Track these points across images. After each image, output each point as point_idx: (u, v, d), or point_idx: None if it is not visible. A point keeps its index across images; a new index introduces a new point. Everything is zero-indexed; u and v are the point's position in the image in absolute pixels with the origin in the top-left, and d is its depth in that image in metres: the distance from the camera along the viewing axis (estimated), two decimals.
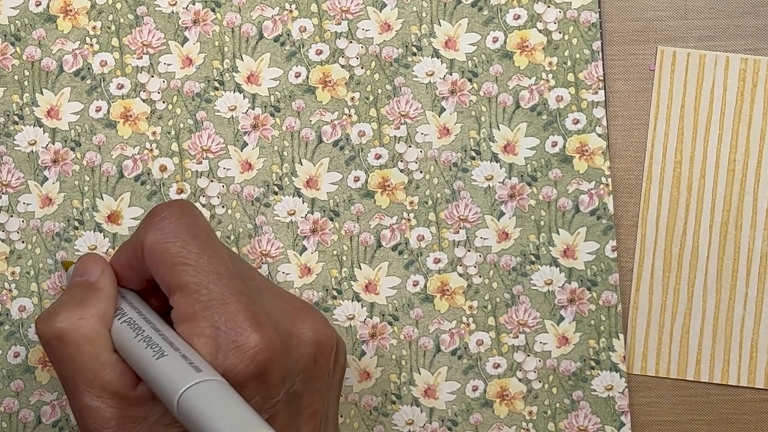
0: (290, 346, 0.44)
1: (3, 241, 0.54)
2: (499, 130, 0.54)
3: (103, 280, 0.47)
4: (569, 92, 0.54)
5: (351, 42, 0.54)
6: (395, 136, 0.54)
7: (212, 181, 0.54)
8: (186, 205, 0.46)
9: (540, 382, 0.53)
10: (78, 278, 0.47)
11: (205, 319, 0.43)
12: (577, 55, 0.54)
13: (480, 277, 0.54)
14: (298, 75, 0.54)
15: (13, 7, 0.54)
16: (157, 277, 0.45)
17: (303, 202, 0.54)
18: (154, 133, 0.54)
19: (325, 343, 0.46)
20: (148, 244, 0.45)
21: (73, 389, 0.44)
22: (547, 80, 0.54)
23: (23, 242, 0.54)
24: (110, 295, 0.46)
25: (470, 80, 0.54)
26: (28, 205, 0.54)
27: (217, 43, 0.54)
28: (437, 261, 0.54)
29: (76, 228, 0.54)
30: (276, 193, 0.54)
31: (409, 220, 0.54)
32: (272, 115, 0.54)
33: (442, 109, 0.54)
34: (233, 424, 0.39)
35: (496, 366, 0.54)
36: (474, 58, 0.54)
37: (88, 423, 0.44)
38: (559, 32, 0.54)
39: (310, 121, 0.54)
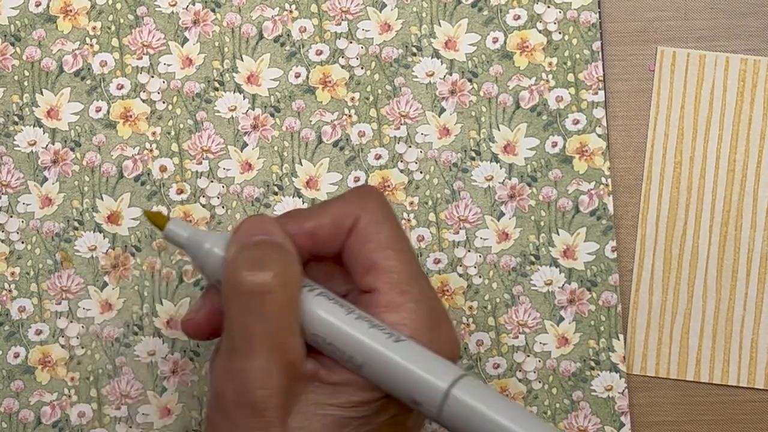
0: (457, 351, 0.44)
1: (3, 241, 0.54)
2: (499, 130, 0.54)
3: (289, 244, 0.43)
4: (569, 92, 0.54)
5: (351, 42, 0.54)
6: (395, 137, 0.54)
7: (212, 181, 0.54)
8: (385, 196, 0.45)
9: (540, 382, 0.53)
10: (263, 236, 0.43)
11: (417, 311, 0.42)
12: (577, 56, 0.54)
13: (480, 277, 0.54)
14: (298, 75, 0.54)
15: (13, 8, 0.54)
16: (358, 256, 0.43)
17: (303, 202, 0.54)
18: (154, 134, 0.54)
19: (457, 355, 0.45)
20: (366, 219, 0.43)
21: (250, 348, 0.41)
22: (547, 80, 0.54)
23: (23, 243, 0.54)
24: (298, 260, 0.43)
25: (470, 80, 0.54)
26: (27, 205, 0.54)
27: (217, 44, 0.54)
28: (437, 261, 0.54)
29: (76, 228, 0.54)
30: (276, 194, 0.54)
31: (409, 220, 0.54)
32: (272, 115, 0.54)
33: (442, 110, 0.54)
34: (520, 419, 0.39)
35: (496, 366, 0.54)
36: (474, 58, 0.54)
37: (253, 388, 0.41)
38: (559, 32, 0.54)
39: (310, 121, 0.54)
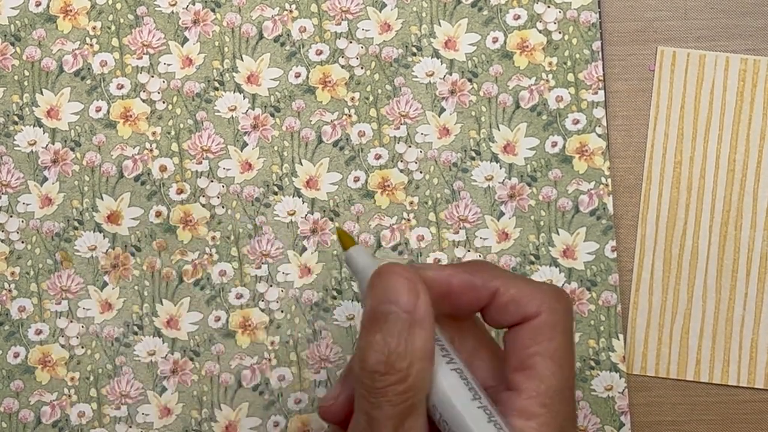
0: None
1: (3, 241, 0.54)
2: (499, 130, 0.54)
3: (423, 308, 0.41)
4: (569, 92, 0.54)
5: (351, 42, 0.54)
6: (395, 137, 0.54)
7: (212, 181, 0.54)
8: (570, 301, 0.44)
9: None
10: (390, 306, 0.41)
11: (544, 426, 0.41)
12: (577, 55, 0.54)
13: None
14: (298, 75, 0.54)
15: (13, 7, 0.54)
16: (519, 349, 0.42)
17: (303, 202, 0.54)
18: (154, 133, 0.54)
19: None
20: (545, 320, 0.42)
21: (376, 424, 0.41)
22: (547, 80, 0.54)
23: (23, 242, 0.54)
24: (432, 327, 0.41)
25: (470, 80, 0.54)
26: (27, 205, 0.54)
27: (217, 44, 0.54)
28: (437, 261, 0.54)
29: (76, 228, 0.54)
30: (276, 194, 0.54)
31: (409, 220, 0.54)
32: (272, 115, 0.54)
33: (442, 110, 0.54)
34: None
35: None
36: (474, 58, 0.54)
37: None
38: (559, 32, 0.54)
39: (310, 121, 0.54)
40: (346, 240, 0.45)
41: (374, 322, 0.41)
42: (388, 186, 0.54)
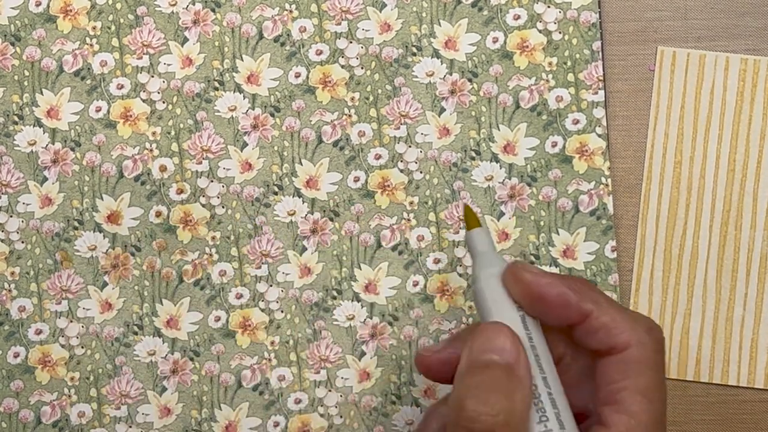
0: None
1: (2, 241, 0.54)
2: (499, 130, 0.54)
3: (522, 365, 0.42)
4: (569, 92, 0.54)
5: (351, 42, 0.54)
6: (395, 137, 0.54)
7: (212, 181, 0.54)
8: (664, 340, 0.44)
9: None
10: (493, 356, 0.42)
11: None
12: (577, 55, 0.54)
13: None
14: (298, 75, 0.54)
15: (13, 7, 0.54)
16: (610, 383, 0.42)
17: (303, 202, 0.54)
18: (154, 133, 0.54)
19: None
20: (637, 354, 0.42)
21: None
22: (547, 80, 0.54)
23: (23, 242, 0.54)
24: (529, 384, 0.42)
25: (470, 80, 0.54)
26: (27, 205, 0.54)
27: (217, 43, 0.54)
28: (437, 261, 0.54)
29: (76, 228, 0.54)
30: (276, 194, 0.54)
31: (409, 220, 0.54)
32: (272, 115, 0.54)
33: (442, 110, 0.54)
34: None
35: None
36: (474, 58, 0.54)
37: None
38: (559, 32, 0.54)
39: (310, 121, 0.54)
40: (472, 220, 0.46)
41: (471, 369, 0.42)
42: (388, 186, 0.54)
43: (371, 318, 0.54)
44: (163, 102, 0.54)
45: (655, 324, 0.43)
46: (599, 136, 0.54)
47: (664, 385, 0.43)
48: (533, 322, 0.43)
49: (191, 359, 0.54)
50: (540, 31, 0.54)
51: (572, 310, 0.43)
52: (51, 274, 0.54)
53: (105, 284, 0.54)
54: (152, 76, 0.54)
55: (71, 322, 0.53)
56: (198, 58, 0.54)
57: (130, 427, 0.53)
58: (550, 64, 0.54)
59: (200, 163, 0.54)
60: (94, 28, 0.54)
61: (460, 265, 0.54)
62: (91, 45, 0.54)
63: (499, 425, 0.40)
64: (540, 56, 0.54)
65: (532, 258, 0.53)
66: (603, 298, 0.43)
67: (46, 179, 0.54)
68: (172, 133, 0.54)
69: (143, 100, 0.54)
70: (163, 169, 0.54)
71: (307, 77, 0.54)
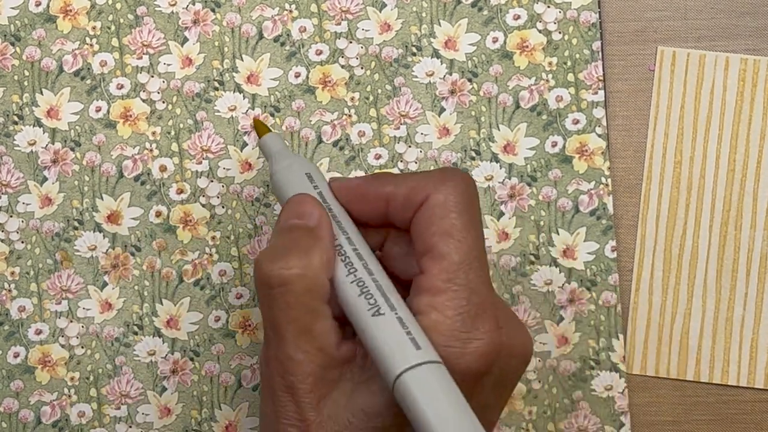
0: (510, 354, 0.43)
1: (2, 241, 0.54)
2: (498, 130, 0.54)
3: (324, 227, 0.44)
4: (569, 92, 0.54)
5: (351, 42, 0.54)
6: (395, 137, 0.54)
7: (212, 181, 0.54)
8: (474, 183, 0.45)
9: (540, 382, 0.53)
10: (296, 221, 0.45)
11: (453, 300, 0.42)
12: (577, 55, 0.54)
13: None
14: (298, 75, 0.54)
15: (13, 7, 0.54)
16: (420, 234, 0.43)
17: None
18: (154, 133, 0.54)
19: (527, 360, 0.45)
20: (434, 200, 0.43)
21: (279, 337, 0.43)
22: (547, 80, 0.54)
23: (23, 242, 0.54)
24: (331, 242, 0.44)
25: (470, 80, 0.54)
26: (27, 205, 0.54)
27: (217, 43, 0.54)
28: None
29: (76, 228, 0.54)
30: None
31: None
32: (272, 115, 0.54)
33: (442, 110, 0.54)
34: (453, 422, 0.38)
35: None
36: (474, 58, 0.54)
37: (285, 374, 0.42)
38: (559, 32, 0.54)
39: (310, 121, 0.54)
40: (261, 128, 0.51)
41: (276, 233, 0.44)
42: None
43: None
44: (163, 102, 0.54)
45: (450, 171, 0.45)
46: (599, 136, 0.54)
47: (474, 224, 0.44)
48: (351, 229, 0.45)
49: (191, 359, 0.54)
50: (540, 31, 0.54)
51: (375, 198, 0.45)
52: (51, 274, 0.54)
53: (105, 284, 0.54)
54: (152, 76, 0.54)
55: (71, 322, 0.53)
56: (198, 58, 0.54)
57: (130, 427, 0.53)
58: (550, 64, 0.54)
59: (200, 163, 0.54)
60: (94, 28, 0.54)
61: None
62: (91, 45, 0.54)
63: (294, 277, 0.42)
64: (540, 56, 0.54)
65: (532, 258, 0.53)
66: (400, 176, 0.45)
67: (46, 179, 0.54)
68: (172, 133, 0.54)
69: (143, 100, 0.54)
70: (163, 169, 0.54)
71: (307, 77, 0.54)
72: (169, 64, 0.54)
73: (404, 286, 0.45)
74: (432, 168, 0.54)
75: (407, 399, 0.39)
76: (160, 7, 0.54)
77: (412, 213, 0.44)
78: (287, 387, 0.42)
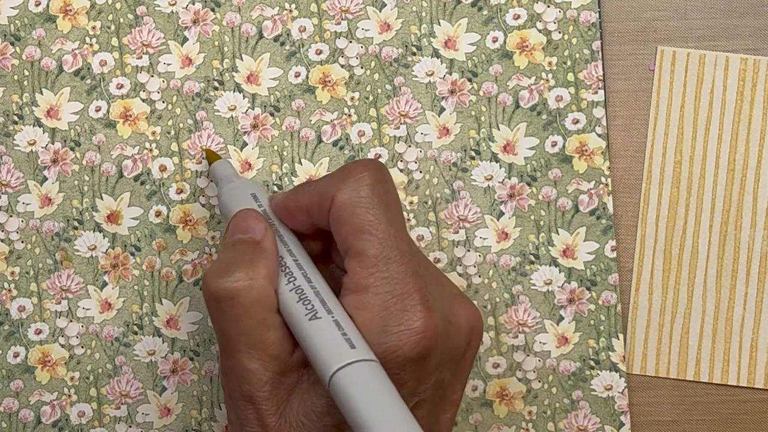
0: (448, 334, 0.44)
1: (2, 241, 0.54)
2: (498, 130, 0.54)
3: (268, 240, 0.45)
4: (569, 92, 0.54)
5: (351, 42, 0.54)
6: (395, 136, 0.54)
7: (212, 180, 0.54)
8: (383, 169, 0.45)
9: (540, 381, 0.53)
10: (242, 235, 0.46)
11: (377, 295, 0.43)
12: (577, 55, 0.54)
13: (479, 276, 0.54)
14: (297, 75, 0.54)
15: (12, 7, 0.54)
16: (337, 236, 0.44)
17: None
18: (153, 133, 0.54)
19: (477, 334, 0.45)
20: (340, 201, 0.44)
21: (232, 349, 0.43)
22: (547, 80, 0.54)
23: (23, 242, 0.54)
24: (275, 254, 0.45)
25: (470, 80, 0.54)
26: (27, 205, 0.54)
27: (216, 43, 0.54)
28: (437, 261, 0.54)
29: (76, 228, 0.54)
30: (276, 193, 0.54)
31: (408, 220, 0.54)
32: (272, 114, 0.54)
33: (442, 109, 0.54)
34: (384, 417, 0.39)
35: (496, 366, 0.53)
36: (474, 57, 0.54)
37: (242, 384, 0.43)
38: (559, 32, 0.54)
39: (310, 120, 0.54)
40: (212, 156, 0.52)
41: (223, 249, 0.45)
42: None
43: None
44: (163, 102, 0.54)
45: (357, 163, 0.45)
46: (599, 135, 0.54)
47: (388, 212, 0.44)
48: (289, 237, 0.46)
49: (191, 359, 0.54)
50: (540, 31, 0.54)
51: (299, 212, 0.46)
52: (51, 274, 0.54)
53: (105, 284, 0.54)
54: (152, 76, 0.54)
55: (71, 321, 0.53)
56: (198, 57, 0.54)
57: (130, 426, 0.53)
58: (549, 63, 0.54)
59: (200, 162, 0.54)
60: (93, 27, 0.54)
61: (460, 265, 0.54)
62: (91, 45, 0.54)
63: (241, 289, 0.43)
64: (540, 56, 0.54)
65: (532, 258, 0.53)
66: (309, 185, 0.46)
67: (46, 179, 0.54)
68: (172, 132, 0.54)
69: (143, 100, 0.54)
70: (162, 168, 0.54)
71: (307, 77, 0.54)
72: (168, 64, 0.54)
73: None
74: (432, 168, 0.54)
75: (341, 397, 0.40)
76: (159, 6, 0.54)
77: (327, 217, 0.45)
78: (246, 396, 0.43)
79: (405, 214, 0.54)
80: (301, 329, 0.43)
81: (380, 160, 0.54)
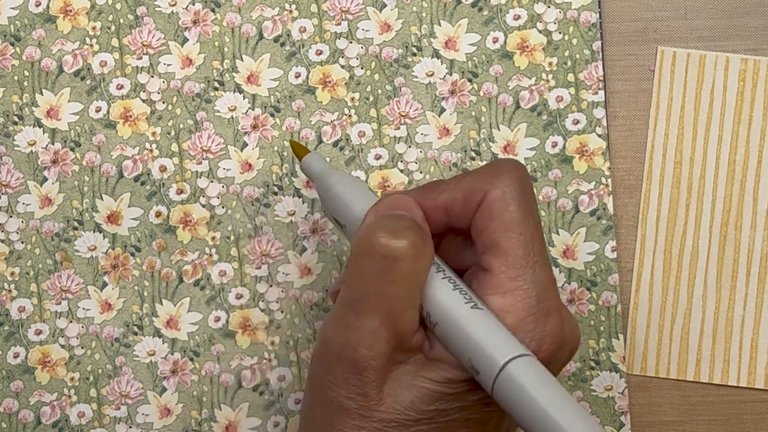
0: (563, 347, 0.44)
1: (2, 241, 0.54)
2: (499, 130, 0.54)
3: (426, 225, 0.44)
4: (569, 92, 0.54)
5: (351, 42, 0.54)
6: (395, 137, 0.54)
7: (212, 181, 0.54)
8: (524, 168, 0.45)
9: None
10: (401, 212, 0.44)
11: (524, 300, 0.42)
12: (577, 56, 0.54)
13: None
14: (298, 75, 0.54)
15: (13, 8, 0.54)
16: (482, 232, 0.43)
17: (303, 202, 0.54)
18: (154, 134, 0.54)
19: (575, 350, 0.45)
20: (492, 197, 0.43)
21: (366, 309, 0.42)
22: (547, 80, 0.54)
23: (23, 243, 0.54)
24: (431, 241, 0.44)
25: (470, 80, 0.54)
26: (27, 205, 0.54)
27: (217, 44, 0.54)
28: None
29: (76, 228, 0.54)
30: (276, 194, 0.54)
31: None
32: (272, 115, 0.54)
33: (442, 110, 0.54)
34: (568, 409, 0.39)
35: None
36: (474, 58, 0.54)
37: (359, 346, 0.42)
38: (559, 32, 0.54)
39: (310, 121, 0.54)
40: (299, 150, 0.50)
41: (382, 216, 0.44)
42: (389, 186, 0.54)
43: None
44: (163, 102, 0.54)
45: (501, 163, 0.44)
46: (599, 136, 0.54)
47: (532, 212, 0.43)
48: None
49: (191, 359, 0.54)
50: (540, 31, 0.54)
51: (437, 210, 0.45)
52: (51, 275, 0.54)
53: (105, 284, 0.54)
54: (152, 77, 0.54)
55: (71, 322, 0.53)
56: (198, 58, 0.54)
57: (130, 427, 0.53)
58: (550, 64, 0.54)
59: (200, 163, 0.54)
60: (93, 28, 0.54)
61: None
62: (91, 45, 0.54)
63: (410, 255, 0.42)
64: (540, 56, 0.54)
65: None
66: (451, 182, 0.45)
67: (46, 179, 0.54)
68: (172, 133, 0.54)
69: (143, 101, 0.54)
70: (163, 169, 0.54)
71: (307, 77, 0.54)
72: (169, 65, 0.54)
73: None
74: (432, 168, 0.54)
75: (515, 390, 0.39)
76: (160, 7, 0.54)
77: (472, 214, 0.44)
78: (356, 360, 0.42)
79: None
80: (459, 316, 0.42)
81: (381, 161, 0.54)
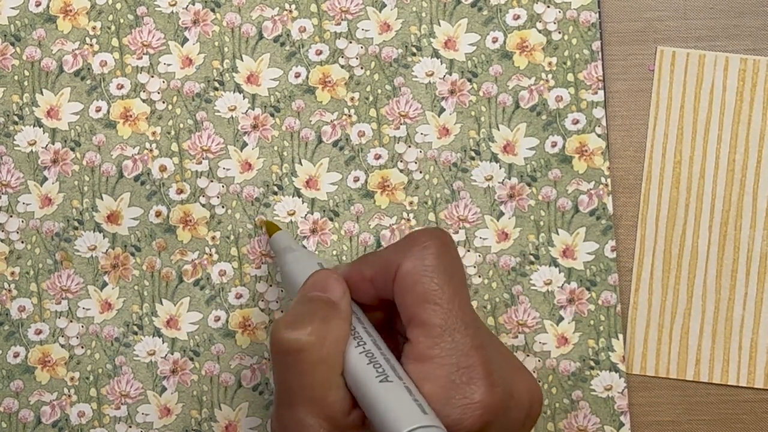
0: (509, 408, 0.43)
1: (2, 241, 0.54)
2: (498, 130, 0.54)
3: (345, 302, 0.45)
4: (569, 92, 0.54)
5: (351, 42, 0.54)
6: (395, 137, 0.54)
7: (212, 181, 0.54)
8: (447, 238, 0.45)
9: (540, 382, 0.53)
10: (318, 293, 0.45)
11: (442, 367, 0.42)
12: (577, 55, 0.54)
13: (479, 277, 0.54)
14: (297, 75, 0.54)
15: (13, 7, 0.54)
16: (401, 305, 0.44)
17: (303, 202, 0.54)
18: (153, 133, 0.54)
19: (537, 407, 0.45)
20: (404, 270, 0.44)
21: (291, 402, 0.43)
22: (547, 80, 0.54)
23: (23, 242, 0.54)
24: (349, 318, 0.45)
25: (470, 80, 0.54)
26: (27, 205, 0.54)
27: (216, 44, 0.54)
28: None
29: (76, 228, 0.54)
30: (276, 194, 0.54)
31: (408, 220, 0.54)
32: (272, 115, 0.54)
33: (442, 110, 0.54)
34: None
35: None
36: (474, 58, 0.54)
37: None
38: (559, 32, 0.54)
39: (310, 121, 0.54)
40: (271, 228, 0.52)
41: (297, 303, 0.45)
42: (388, 186, 0.54)
43: None
44: (163, 102, 0.54)
45: (423, 231, 0.45)
46: (599, 136, 0.54)
47: (452, 280, 0.44)
48: (355, 307, 0.46)
49: (191, 359, 0.54)
50: (540, 31, 0.54)
51: (365, 284, 0.46)
52: (51, 274, 0.54)
53: (105, 284, 0.54)
54: (152, 76, 0.54)
55: (71, 322, 0.54)
56: (198, 58, 0.54)
57: (130, 427, 0.53)
58: (549, 64, 0.54)
59: (200, 163, 0.54)
60: (94, 28, 0.54)
61: None
62: (91, 45, 0.54)
63: (312, 344, 0.42)
64: (540, 56, 0.54)
65: (532, 258, 0.53)
66: (373, 256, 0.46)
67: (46, 179, 0.54)
68: (172, 133, 0.54)
69: (143, 100, 0.54)
70: (162, 169, 0.54)
71: (307, 77, 0.54)
72: (169, 64, 0.54)
73: None
74: (431, 169, 0.54)
75: None
76: (160, 7, 0.54)
77: (392, 287, 0.44)
78: None
79: (405, 214, 0.54)
80: (369, 391, 0.42)
81: (381, 161, 0.54)
